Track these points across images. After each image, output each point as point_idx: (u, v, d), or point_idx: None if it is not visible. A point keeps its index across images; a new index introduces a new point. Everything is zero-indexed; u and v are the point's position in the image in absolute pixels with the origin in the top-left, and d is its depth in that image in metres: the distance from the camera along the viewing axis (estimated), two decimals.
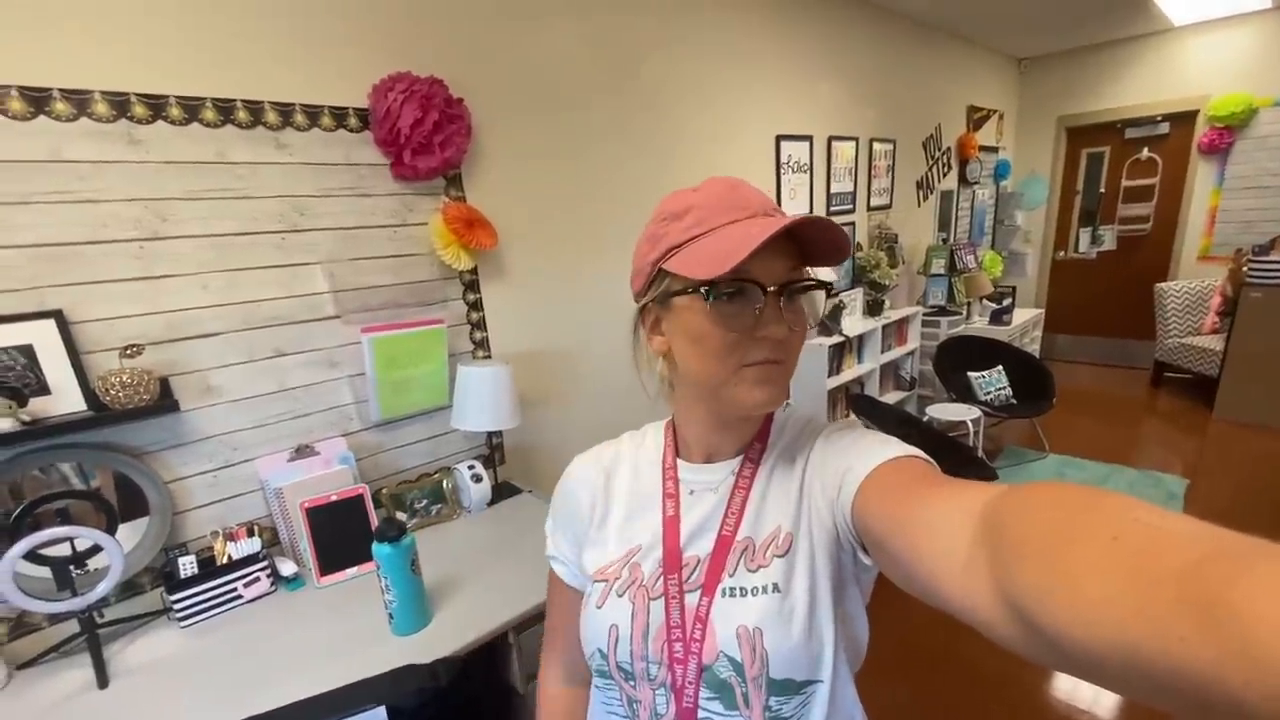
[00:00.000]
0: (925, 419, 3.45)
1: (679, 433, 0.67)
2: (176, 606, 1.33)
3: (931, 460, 0.53)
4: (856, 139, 3.42)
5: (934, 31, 4.00)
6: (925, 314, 4.08)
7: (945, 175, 4.43)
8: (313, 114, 1.50)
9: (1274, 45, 4.25)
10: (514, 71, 1.89)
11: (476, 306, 1.89)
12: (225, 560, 1.41)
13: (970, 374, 3.63)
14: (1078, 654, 0.27)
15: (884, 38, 3.55)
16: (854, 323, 3.44)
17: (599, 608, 0.62)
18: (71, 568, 1.23)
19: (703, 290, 0.54)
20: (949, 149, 4.39)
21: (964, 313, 4.34)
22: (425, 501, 1.74)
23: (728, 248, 0.51)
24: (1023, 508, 0.34)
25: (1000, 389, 3.63)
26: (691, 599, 0.58)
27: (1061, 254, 5.53)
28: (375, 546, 1.17)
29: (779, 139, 2.91)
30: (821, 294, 0.59)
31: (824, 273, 0.62)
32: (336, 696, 0.80)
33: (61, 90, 1.17)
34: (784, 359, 0.56)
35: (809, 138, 3.09)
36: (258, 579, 1.43)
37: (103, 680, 1.18)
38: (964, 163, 4.57)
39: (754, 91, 2.76)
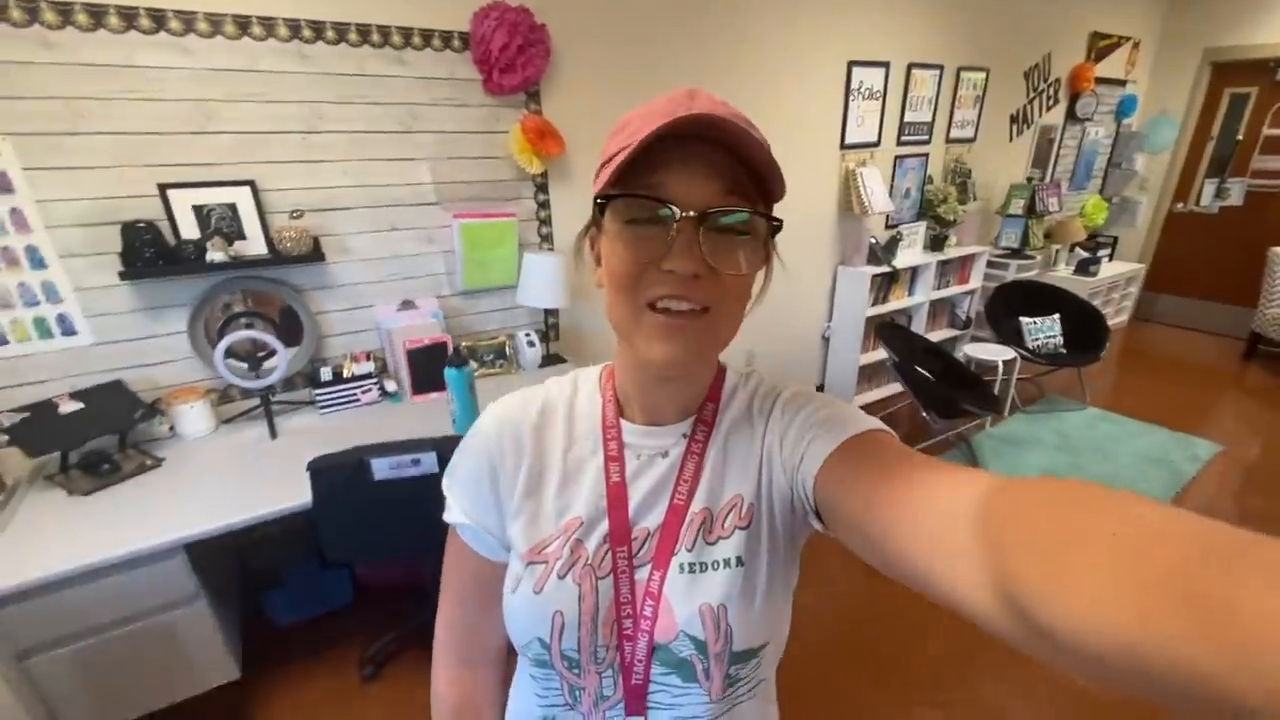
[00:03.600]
0: (960, 355, 3.58)
1: (619, 387, 0.59)
2: (318, 398, 1.92)
3: (893, 432, 0.51)
4: (941, 67, 3.34)
5: None
6: (994, 255, 4.05)
7: (1050, 109, 4.20)
8: (427, 36, 1.89)
9: None
10: None
11: (545, 206, 2.29)
12: (350, 375, 1.98)
13: (1022, 319, 3.67)
14: (1076, 651, 0.27)
15: None
16: (910, 255, 3.53)
17: (537, 593, 0.55)
18: (257, 358, 1.83)
19: (598, 202, 0.48)
20: (1058, 80, 4.12)
21: (1043, 258, 4.22)
22: (491, 356, 2.24)
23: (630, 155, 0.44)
24: (1021, 502, 0.34)
25: (1050, 337, 3.66)
26: (641, 574, 0.55)
27: (1180, 206, 5.12)
28: (446, 370, 1.67)
29: (851, 64, 2.94)
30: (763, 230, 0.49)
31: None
32: (408, 443, 1.32)
33: (258, 17, 1.63)
34: (698, 306, 0.47)
35: (886, 64, 3.09)
36: (370, 390, 2.00)
37: (273, 434, 1.79)
38: (1075, 96, 4.28)
39: (828, 13, 2.80)
